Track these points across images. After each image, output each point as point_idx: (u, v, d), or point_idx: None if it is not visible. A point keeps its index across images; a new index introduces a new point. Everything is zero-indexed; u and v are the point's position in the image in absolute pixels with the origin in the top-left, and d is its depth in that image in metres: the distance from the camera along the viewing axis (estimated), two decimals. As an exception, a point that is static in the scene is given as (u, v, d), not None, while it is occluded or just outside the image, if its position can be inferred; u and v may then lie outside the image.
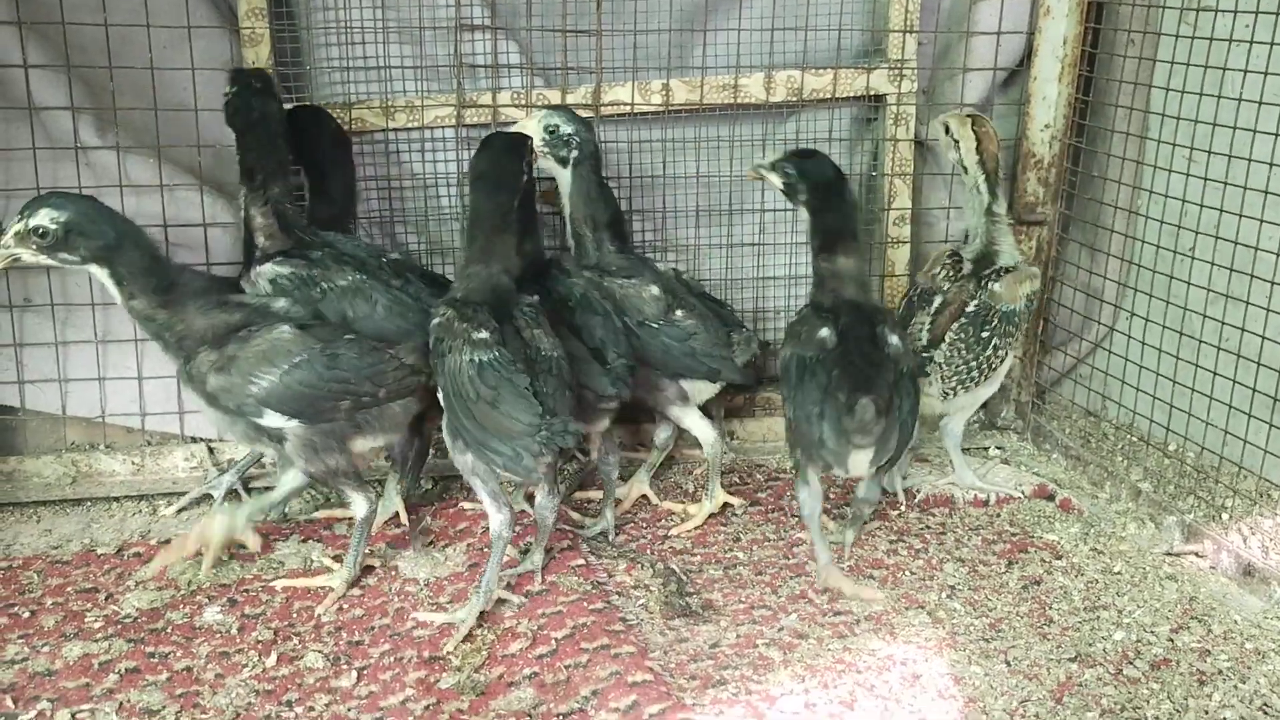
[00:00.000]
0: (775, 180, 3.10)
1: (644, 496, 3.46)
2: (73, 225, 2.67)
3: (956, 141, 3.41)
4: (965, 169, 3.41)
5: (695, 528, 3.29)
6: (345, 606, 2.85)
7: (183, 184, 3.41)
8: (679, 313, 3.27)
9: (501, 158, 2.95)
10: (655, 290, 3.26)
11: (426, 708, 2.45)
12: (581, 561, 3.00)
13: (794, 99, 3.73)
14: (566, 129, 3.23)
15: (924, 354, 3.34)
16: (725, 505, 3.39)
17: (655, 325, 3.23)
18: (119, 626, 2.77)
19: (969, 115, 3.44)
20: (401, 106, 3.55)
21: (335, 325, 2.93)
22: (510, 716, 2.42)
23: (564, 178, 3.29)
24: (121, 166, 3.34)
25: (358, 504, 2.89)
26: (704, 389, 3.36)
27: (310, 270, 3.00)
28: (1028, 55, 3.79)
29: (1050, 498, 3.50)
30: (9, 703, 2.48)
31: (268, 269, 3.00)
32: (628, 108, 3.68)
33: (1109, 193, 3.67)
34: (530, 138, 3.12)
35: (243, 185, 3.06)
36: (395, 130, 3.59)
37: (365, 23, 3.54)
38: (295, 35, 3.52)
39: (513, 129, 3.18)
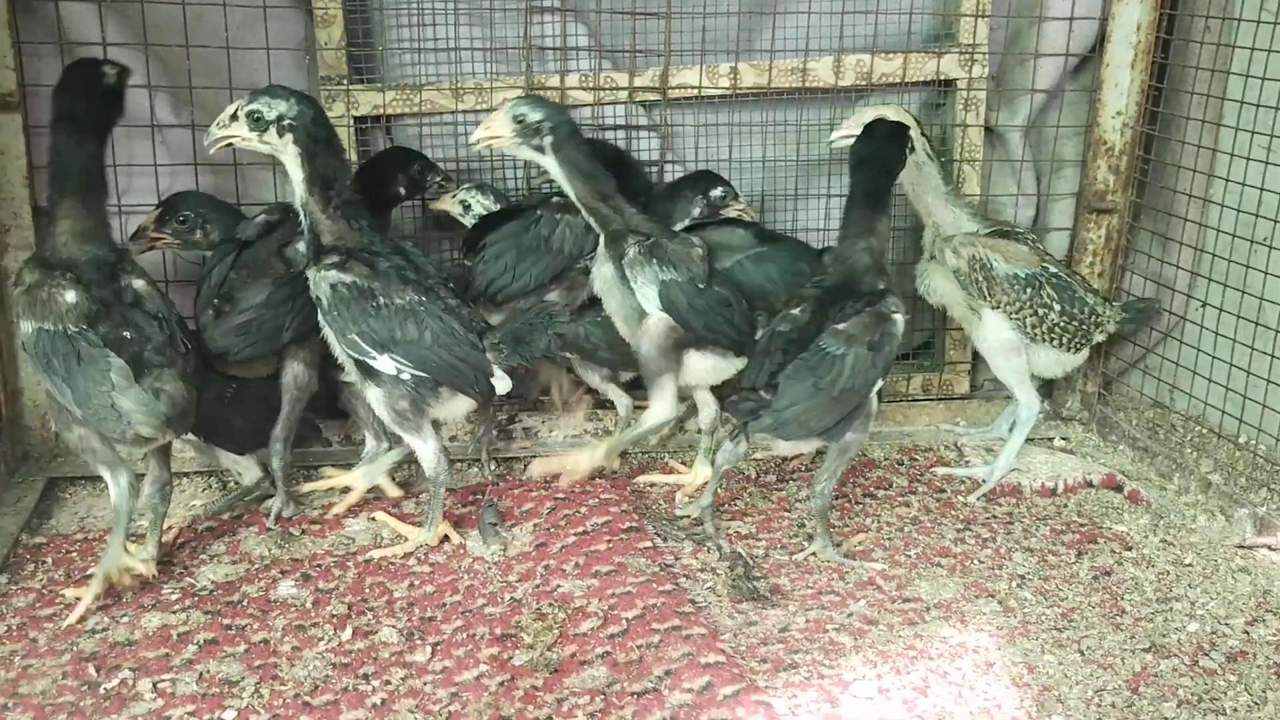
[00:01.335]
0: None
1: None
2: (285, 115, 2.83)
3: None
4: (915, 149, 3.32)
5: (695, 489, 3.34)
6: (416, 583, 2.88)
7: (255, 163, 3.45)
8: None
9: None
10: (700, 251, 3.19)
11: (501, 684, 2.47)
12: (649, 544, 3.01)
13: (863, 83, 3.71)
14: (534, 116, 3.03)
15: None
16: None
17: (701, 285, 3.16)
18: (195, 599, 2.80)
19: (890, 105, 3.49)
20: (470, 88, 3.57)
21: None
22: (584, 694, 2.43)
23: (550, 166, 3.10)
24: (196, 144, 3.37)
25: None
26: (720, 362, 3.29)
27: (372, 283, 2.94)
28: (1100, 41, 3.74)
29: (1118, 489, 3.47)
30: (91, 671, 2.52)
31: (331, 275, 2.93)
32: (695, 91, 3.68)
33: (1181, 180, 3.62)
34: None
35: (307, 188, 2.94)
36: (464, 112, 3.60)
37: (436, 4, 3.56)
38: (367, 16, 3.55)
39: (482, 127, 3.07)
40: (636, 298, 3.14)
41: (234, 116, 2.81)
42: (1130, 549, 3.13)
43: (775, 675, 2.53)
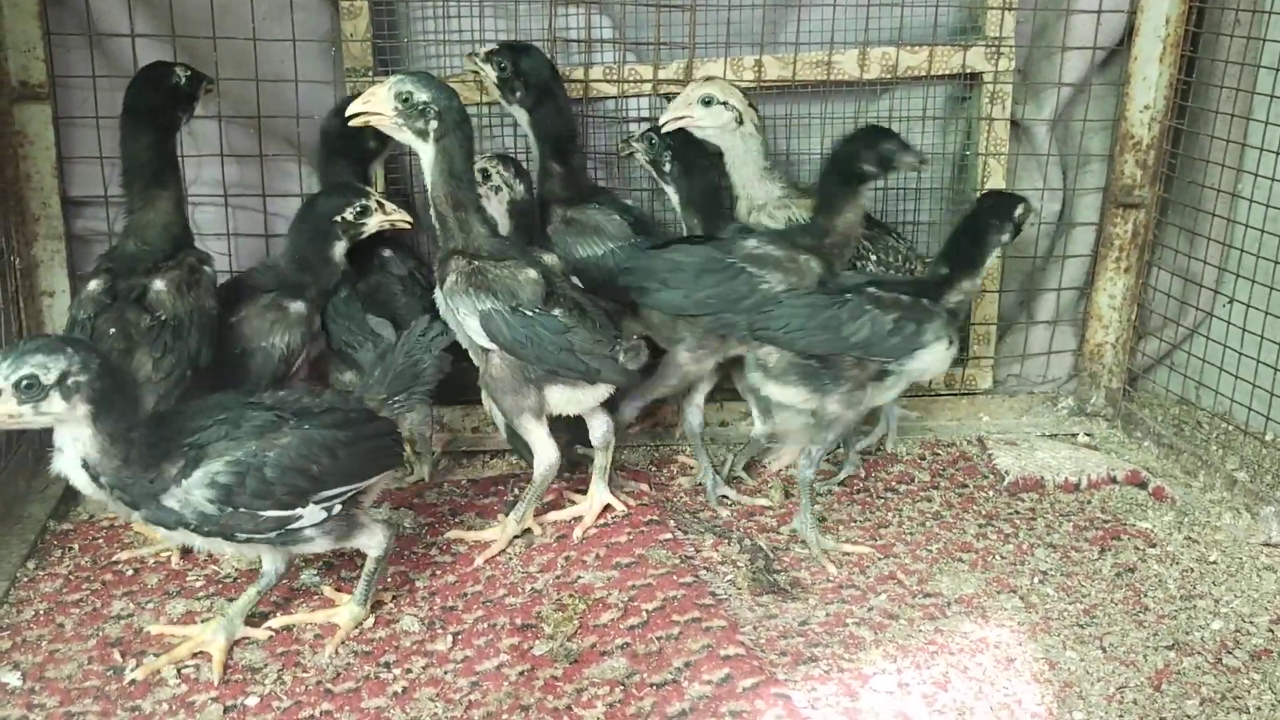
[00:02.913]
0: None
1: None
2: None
3: (725, 103, 3.30)
4: (744, 121, 3.33)
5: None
6: (438, 573, 2.89)
7: (281, 154, 3.47)
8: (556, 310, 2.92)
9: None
10: (533, 274, 2.92)
11: (521, 673, 2.49)
12: (669, 536, 3.01)
13: (888, 76, 3.69)
14: (422, 96, 2.78)
15: None
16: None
17: (530, 313, 2.88)
18: (219, 586, 2.83)
19: (715, 80, 3.41)
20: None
21: None
22: (604, 685, 2.44)
23: (424, 152, 2.85)
24: (223, 136, 3.40)
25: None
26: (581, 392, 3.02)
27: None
28: (1128, 34, 3.71)
29: (1143, 485, 3.44)
30: (116, 656, 2.55)
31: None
32: (719, 84, 3.66)
33: (1209, 175, 3.59)
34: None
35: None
36: (489, 104, 3.60)
37: (461, -5, 3.57)
38: (393, 8, 3.56)
39: (360, 99, 2.84)
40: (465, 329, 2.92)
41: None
42: (1154, 546, 3.11)
43: (795, 668, 2.53)
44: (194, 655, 2.54)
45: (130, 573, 2.88)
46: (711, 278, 3.07)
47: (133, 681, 2.46)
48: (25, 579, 2.85)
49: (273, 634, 2.63)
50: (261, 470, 2.41)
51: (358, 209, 3.10)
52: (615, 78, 3.63)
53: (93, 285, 2.82)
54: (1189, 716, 2.41)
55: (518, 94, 3.38)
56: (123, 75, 3.32)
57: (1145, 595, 2.87)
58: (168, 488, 2.36)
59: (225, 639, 2.55)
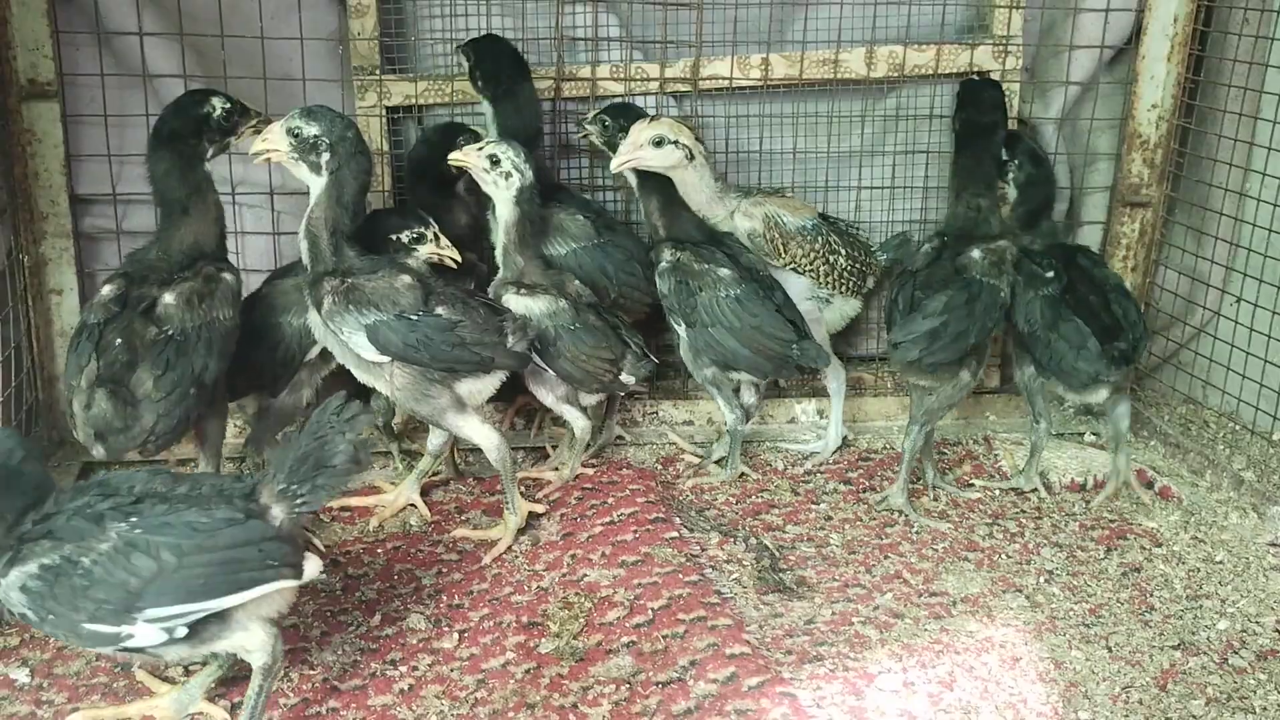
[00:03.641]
0: None
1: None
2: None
3: (675, 141, 3.21)
4: (694, 156, 3.29)
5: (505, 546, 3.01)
6: (444, 570, 2.90)
7: (289, 153, 3.47)
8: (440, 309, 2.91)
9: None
10: (408, 279, 2.91)
11: (527, 671, 2.49)
12: (675, 534, 3.01)
13: (895, 75, 3.69)
14: (311, 130, 2.78)
15: None
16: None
17: (414, 317, 2.86)
18: (227, 583, 2.83)
19: (661, 119, 3.28)
20: (501, 79, 3.57)
21: None
22: (610, 683, 2.44)
23: (315, 184, 2.84)
24: (230, 134, 3.40)
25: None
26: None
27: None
28: (1136, 33, 3.70)
29: (1149, 485, 3.43)
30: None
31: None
32: (726, 82, 3.67)
33: (1217, 174, 3.58)
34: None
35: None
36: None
37: (468, -5, 3.57)
38: (400, 7, 3.57)
39: (260, 138, 2.85)
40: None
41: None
42: (1160, 545, 3.10)
43: (800, 667, 2.53)
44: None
45: (138, 570, 2.89)
46: None
47: (140, 679, 2.47)
48: (34, 575, 2.85)
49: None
50: (71, 580, 2.09)
51: (414, 234, 3.12)
52: (622, 76, 3.63)
53: (105, 290, 2.81)
54: (1195, 716, 2.41)
55: (479, 85, 3.38)
56: (131, 74, 3.35)
57: (1151, 595, 2.87)
58: None
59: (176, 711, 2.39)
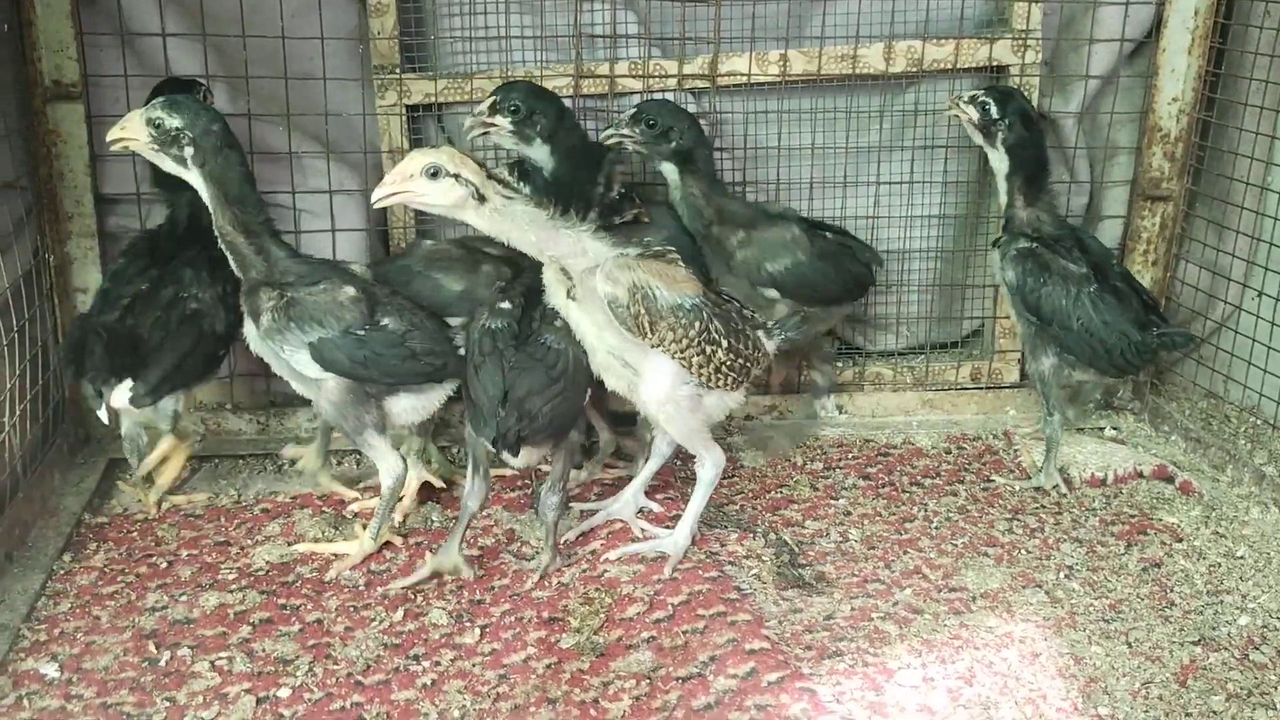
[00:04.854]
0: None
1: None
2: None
3: (456, 175, 2.58)
4: (485, 196, 2.62)
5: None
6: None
7: (310, 151, 3.50)
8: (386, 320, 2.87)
9: None
10: (351, 291, 2.86)
11: (548, 666, 2.51)
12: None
13: (914, 69, 3.68)
14: (174, 122, 2.68)
15: None
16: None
17: (361, 332, 2.82)
18: (251, 579, 2.87)
19: (443, 148, 2.66)
20: (521, 77, 3.58)
21: None
22: (630, 678, 2.46)
23: (193, 180, 2.77)
24: (252, 134, 3.42)
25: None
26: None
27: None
28: (1156, 26, 3.69)
29: (1170, 480, 3.43)
30: (151, 647, 2.60)
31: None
32: (744, 78, 3.67)
33: (1238, 168, 3.56)
34: None
35: None
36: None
37: (487, -7, 3.58)
38: (419, 6, 3.58)
39: (118, 125, 2.74)
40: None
41: None
42: (1181, 541, 3.10)
43: (820, 662, 2.54)
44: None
45: (164, 565, 2.93)
46: None
47: (167, 672, 2.50)
48: (61, 572, 2.90)
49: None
50: None
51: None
52: (640, 73, 3.64)
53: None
54: (1215, 712, 2.41)
55: (532, 135, 3.21)
56: (154, 74, 3.37)
57: (1172, 590, 2.86)
58: None
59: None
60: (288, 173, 3.47)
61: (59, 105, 3.31)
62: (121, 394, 2.91)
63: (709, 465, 2.89)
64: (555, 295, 2.74)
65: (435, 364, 2.89)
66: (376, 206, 2.68)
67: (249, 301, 2.83)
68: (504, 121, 3.18)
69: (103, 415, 2.96)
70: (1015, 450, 3.65)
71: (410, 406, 2.95)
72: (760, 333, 2.94)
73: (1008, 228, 3.45)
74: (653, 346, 2.71)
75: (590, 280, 2.66)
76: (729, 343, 2.79)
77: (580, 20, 3.58)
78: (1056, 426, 3.43)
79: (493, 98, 3.20)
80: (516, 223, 2.63)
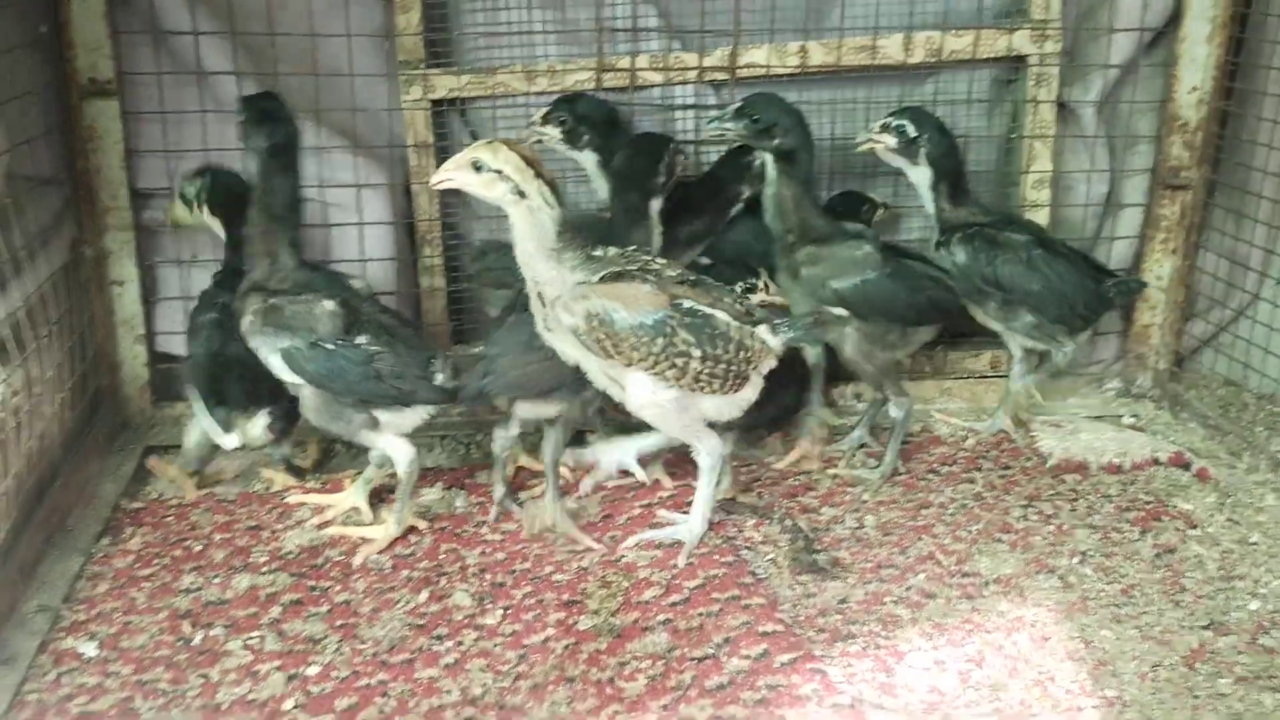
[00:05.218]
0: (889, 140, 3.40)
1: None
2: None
3: (498, 171, 2.64)
4: (525, 194, 2.66)
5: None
6: (488, 550, 3.00)
7: (337, 146, 3.58)
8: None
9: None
10: (330, 305, 2.93)
11: (566, 647, 2.59)
12: (713, 516, 3.09)
13: (933, 60, 3.71)
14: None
15: None
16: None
17: (331, 346, 2.90)
18: (282, 561, 2.96)
19: (496, 142, 2.70)
20: (543, 71, 3.65)
21: None
22: (646, 659, 2.53)
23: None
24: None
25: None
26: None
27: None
28: (1176, 15, 3.69)
29: (1186, 466, 3.45)
30: (186, 627, 2.70)
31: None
32: (764, 70, 3.71)
33: (1258, 157, 3.57)
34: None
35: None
36: (536, 94, 3.68)
37: (509, -12, 3.65)
38: (443, 2, 3.64)
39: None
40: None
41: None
42: (1195, 527, 3.12)
43: (832, 645, 2.60)
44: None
45: (198, 549, 3.02)
46: None
47: (201, 651, 2.60)
48: (99, 555, 3.00)
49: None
50: None
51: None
52: (661, 66, 3.69)
53: None
54: (1222, 694, 2.44)
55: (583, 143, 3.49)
56: (186, 71, 3.47)
57: (1184, 576, 2.89)
58: None
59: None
60: (315, 167, 3.55)
61: (95, 102, 3.40)
62: (259, 424, 3.07)
63: (704, 454, 2.93)
64: (536, 323, 2.82)
65: (402, 388, 2.93)
66: (434, 188, 2.79)
67: (240, 301, 2.96)
68: (554, 131, 3.46)
69: (227, 442, 3.09)
70: (1033, 437, 3.67)
71: (389, 421, 3.00)
72: (763, 328, 2.91)
73: (944, 230, 3.47)
74: (625, 366, 2.76)
75: (556, 309, 2.74)
76: (702, 351, 2.78)
77: (601, 14, 3.64)
78: (1069, 354, 3.55)
79: (546, 109, 3.47)
80: (534, 229, 2.69)
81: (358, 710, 2.41)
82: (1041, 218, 3.80)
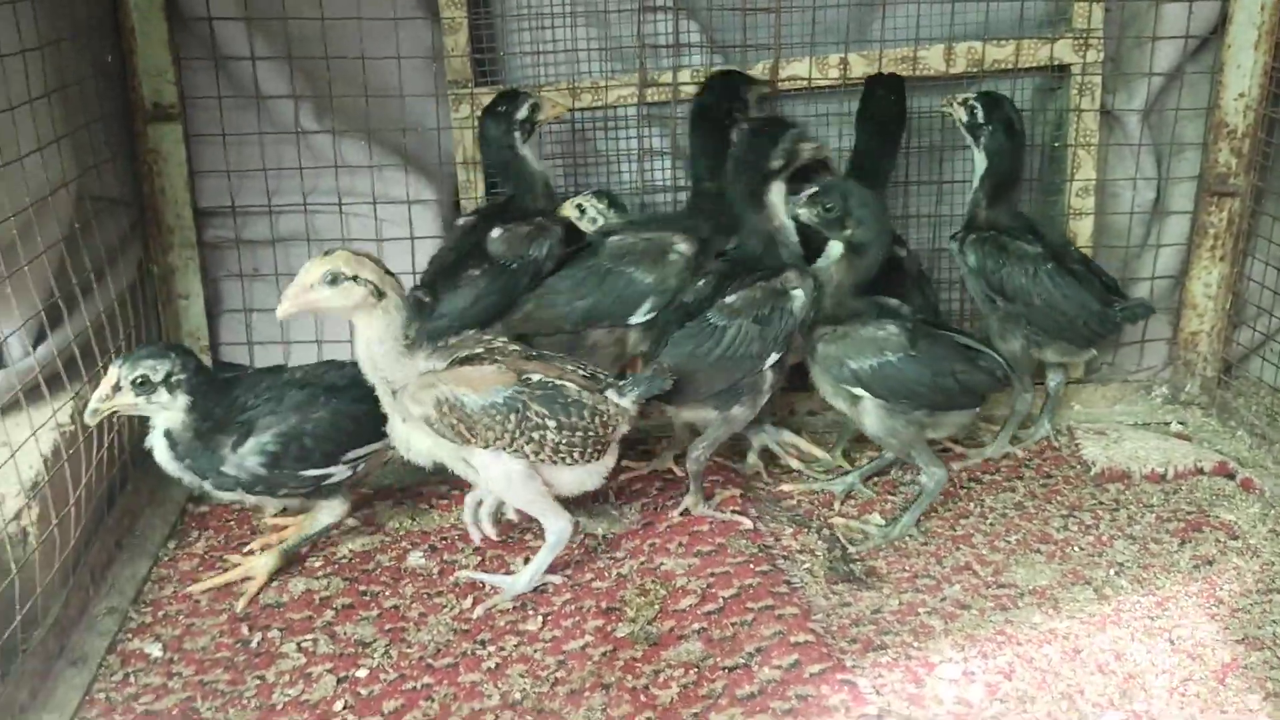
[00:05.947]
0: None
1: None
2: None
3: (354, 277, 2.61)
4: (384, 293, 2.66)
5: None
6: (530, 558, 3.07)
7: (389, 164, 3.70)
8: None
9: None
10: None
11: (604, 654, 2.67)
12: (749, 525, 3.15)
13: (974, 70, 3.73)
14: None
15: None
16: None
17: None
18: (336, 567, 3.09)
19: (338, 252, 2.64)
20: (587, 87, 3.73)
21: None
22: (680, 667, 2.61)
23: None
24: (336, 149, 3.65)
25: None
26: None
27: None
28: (1222, 22, 3.67)
29: (1230, 476, 3.44)
30: (244, 630, 2.84)
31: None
32: (805, 83, 3.76)
33: (1306, 164, 3.54)
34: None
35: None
36: (581, 110, 3.77)
37: (554, 7, 3.74)
38: (490, 23, 3.75)
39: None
40: None
41: None
42: (1236, 538, 3.12)
43: (863, 655, 2.65)
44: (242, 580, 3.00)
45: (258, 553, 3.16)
46: None
47: (258, 652, 2.73)
48: (166, 558, 3.15)
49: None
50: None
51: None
52: (703, 80, 3.74)
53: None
54: (1251, 710, 2.46)
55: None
56: (246, 95, 3.61)
57: (1221, 588, 2.90)
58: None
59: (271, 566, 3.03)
60: (369, 184, 3.68)
61: (159, 126, 3.56)
62: None
63: (551, 532, 2.92)
64: (390, 420, 2.86)
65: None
66: (280, 319, 2.69)
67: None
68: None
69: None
70: (1077, 445, 3.68)
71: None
72: (610, 393, 2.91)
73: (967, 225, 3.56)
74: (482, 448, 2.79)
75: (404, 400, 2.76)
76: (557, 421, 2.80)
77: (643, 31, 3.71)
78: (1027, 401, 3.65)
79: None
80: (388, 329, 2.70)
81: (403, 713, 2.53)
82: (1086, 225, 3.81)
